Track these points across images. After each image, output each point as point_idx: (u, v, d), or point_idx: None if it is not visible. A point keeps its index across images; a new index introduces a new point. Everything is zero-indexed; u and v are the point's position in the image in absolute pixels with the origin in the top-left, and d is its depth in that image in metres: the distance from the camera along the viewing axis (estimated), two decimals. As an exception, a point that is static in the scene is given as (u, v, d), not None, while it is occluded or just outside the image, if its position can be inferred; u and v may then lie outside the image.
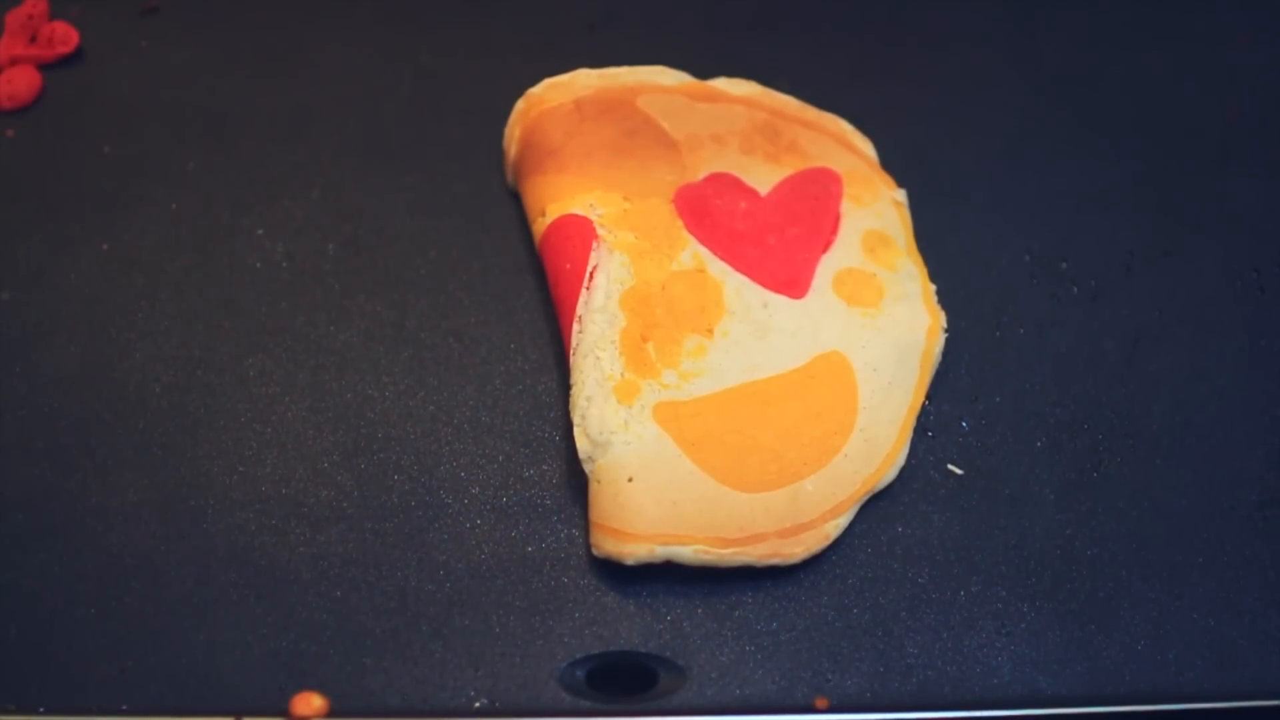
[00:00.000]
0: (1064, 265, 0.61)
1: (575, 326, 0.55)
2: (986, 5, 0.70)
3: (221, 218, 0.61)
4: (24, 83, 0.65)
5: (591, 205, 0.58)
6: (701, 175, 0.59)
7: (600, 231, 0.57)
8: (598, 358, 0.54)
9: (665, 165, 0.60)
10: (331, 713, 0.48)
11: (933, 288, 0.58)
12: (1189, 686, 0.50)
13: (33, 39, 0.67)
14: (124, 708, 0.49)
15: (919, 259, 0.59)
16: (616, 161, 0.59)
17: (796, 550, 0.51)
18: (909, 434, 0.54)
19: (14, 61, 0.66)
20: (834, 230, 0.58)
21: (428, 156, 0.64)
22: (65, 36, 0.67)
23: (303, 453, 0.55)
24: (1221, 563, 0.53)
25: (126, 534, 0.53)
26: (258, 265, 0.60)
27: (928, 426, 0.56)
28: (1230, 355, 0.58)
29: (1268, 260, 0.61)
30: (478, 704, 0.49)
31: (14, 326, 0.58)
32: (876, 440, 0.53)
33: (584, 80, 0.62)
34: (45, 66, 0.66)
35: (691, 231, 0.58)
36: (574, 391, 0.53)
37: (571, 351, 0.55)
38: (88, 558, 0.52)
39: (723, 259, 0.57)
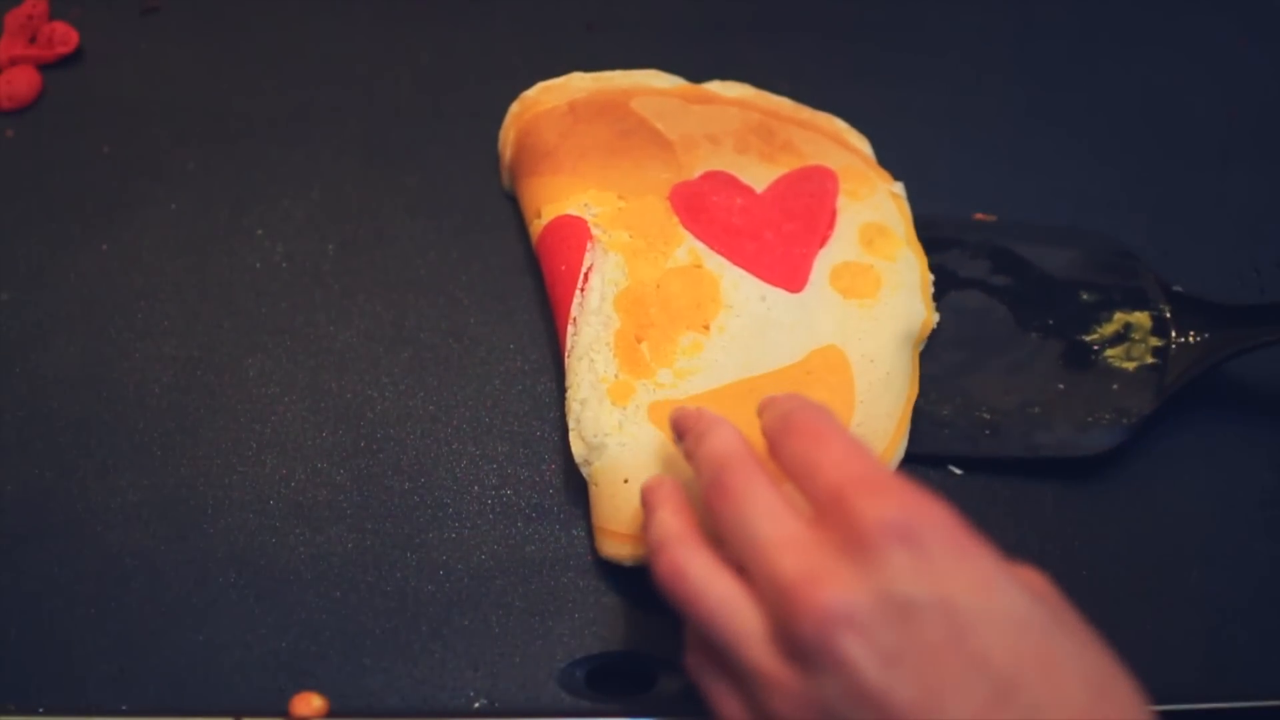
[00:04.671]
0: (1064, 265, 0.61)
1: (570, 329, 0.55)
2: (985, 5, 0.70)
3: (221, 218, 0.61)
4: (24, 83, 0.65)
5: (586, 205, 0.58)
6: (697, 173, 0.59)
7: (595, 231, 0.57)
8: (591, 360, 0.54)
9: (660, 164, 0.60)
10: (331, 713, 0.49)
11: (930, 279, 0.58)
12: (1189, 686, 0.50)
13: (33, 39, 0.67)
14: (124, 708, 0.49)
15: (919, 249, 0.58)
16: (611, 161, 0.59)
17: None
18: (907, 425, 0.54)
19: (14, 61, 0.66)
20: (830, 226, 0.58)
21: (427, 156, 0.64)
22: (65, 36, 0.67)
23: (303, 453, 0.55)
24: (1221, 563, 0.53)
25: (126, 534, 0.53)
26: (258, 265, 0.60)
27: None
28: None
29: (1268, 260, 0.61)
30: (477, 704, 0.49)
31: (14, 326, 0.58)
32: (874, 434, 0.53)
33: (578, 83, 0.62)
34: (45, 66, 0.66)
35: (687, 227, 0.58)
36: (569, 395, 0.53)
37: (567, 354, 0.55)
38: (88, 558, 0.52)
39: (719, 253, 0.57)
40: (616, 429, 0.52)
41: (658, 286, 0.56)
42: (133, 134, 0.64)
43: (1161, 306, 0.56)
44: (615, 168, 0.59)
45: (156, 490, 0.54)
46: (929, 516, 0.39)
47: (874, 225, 0.58)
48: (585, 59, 0.63)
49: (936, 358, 0.56)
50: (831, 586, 0.38)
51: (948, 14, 0.69)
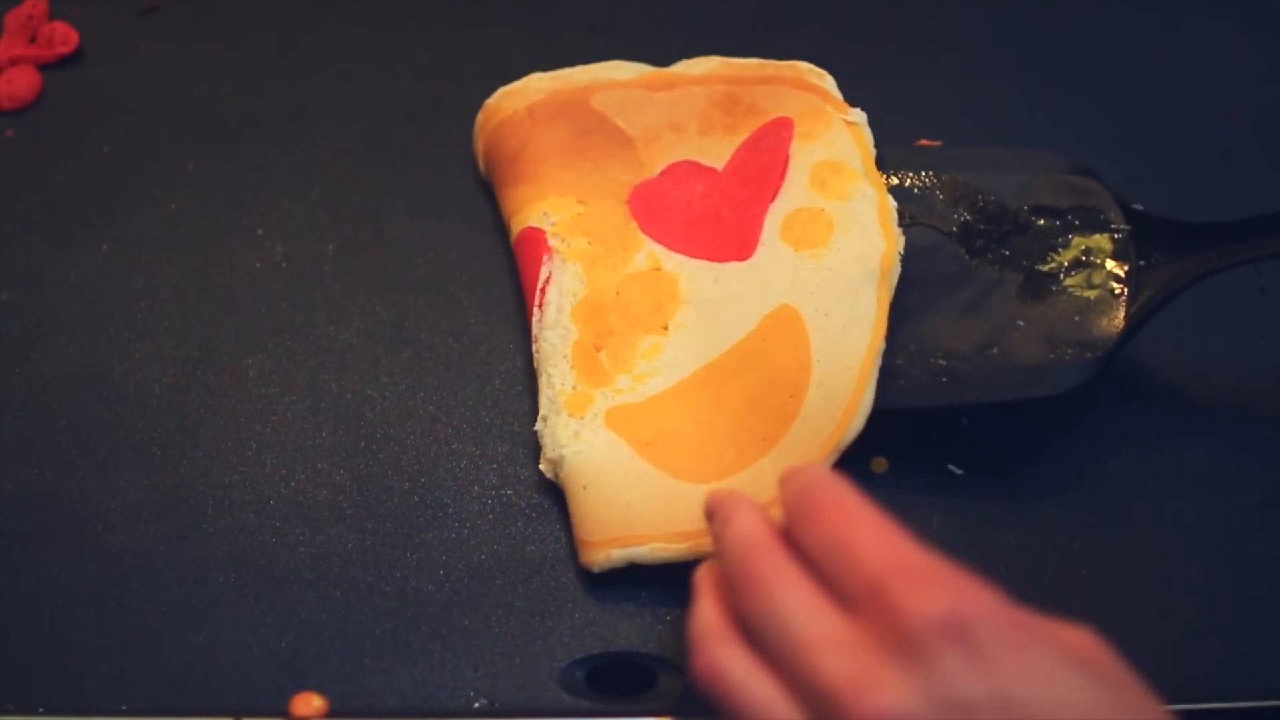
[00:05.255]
0: (1064, 265, 0.61)
1: (534, 346, 0.55)
2: (986, 5, 0.70)
3: (221, 218, 0.61)
4: (24, 83, 0.65)
5: (545, 214, 0.57)
6: (659, 169, 0.58)
7: (552, 242, 0.56)
8: (550, 375, 0.53)
9: (620, 164, 0.58)
10: (331, 713, 0.49)
11: (893, 205, 0.54)
12: (1189, 686, 0.50)
13: (33, 39, 0.67)
14: (124, 708, 0.49)
15: (879, 179, 0.55)
16: (570, 163, 0.58)
17: None
18: (871, 376, 0.51)
19: (14, 61, 0.66)
20: (782, 176, 0.55)
21: (428, 156, 0.63)
22: (65, 36, 0.67)
23: (303, 453, 0.55)
24: (1221, 563, 0.53)
25: (126, 534, 0.53)
26: (258, 265, 0.60)
27: (928, 426, 0.56)
28: (1230, 355, 0.58)
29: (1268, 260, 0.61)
30: (477, 704, 0.49)
31: (14, 326, 0.58)
32: (835, 392, 0.51)
33: (536, 84, 0.60)
34: (45, 66, 0.66)
35: (646, 231, 0.56)
36: (539, 413, 0.53)
37: (537, 373, 0.55)
38: (88, 558, 0.52)
39: (678, 251, 0.55)
40: (573, 439, 0.52)
41: (617, 293, 0.55)
42: (133, 134, 0.64)
43: (1122, 227, 0.54)
44: (574, 169, 0.58)
45: (156, 490, 0.54)
46: (978, 606, 0.37)
47: (826, 164, 0.55)
48: (585, 59, 0.63)
49: None
50: (882, 692, 0.36)
51: (948, 14, 0.69)
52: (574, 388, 0.53)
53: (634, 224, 0.57)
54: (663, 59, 0.63)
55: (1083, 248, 0.53)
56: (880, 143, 0.60)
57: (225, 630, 0.50)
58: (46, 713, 0.49)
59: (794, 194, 0.55)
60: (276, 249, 0.61)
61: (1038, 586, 0.52)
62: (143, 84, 0.66)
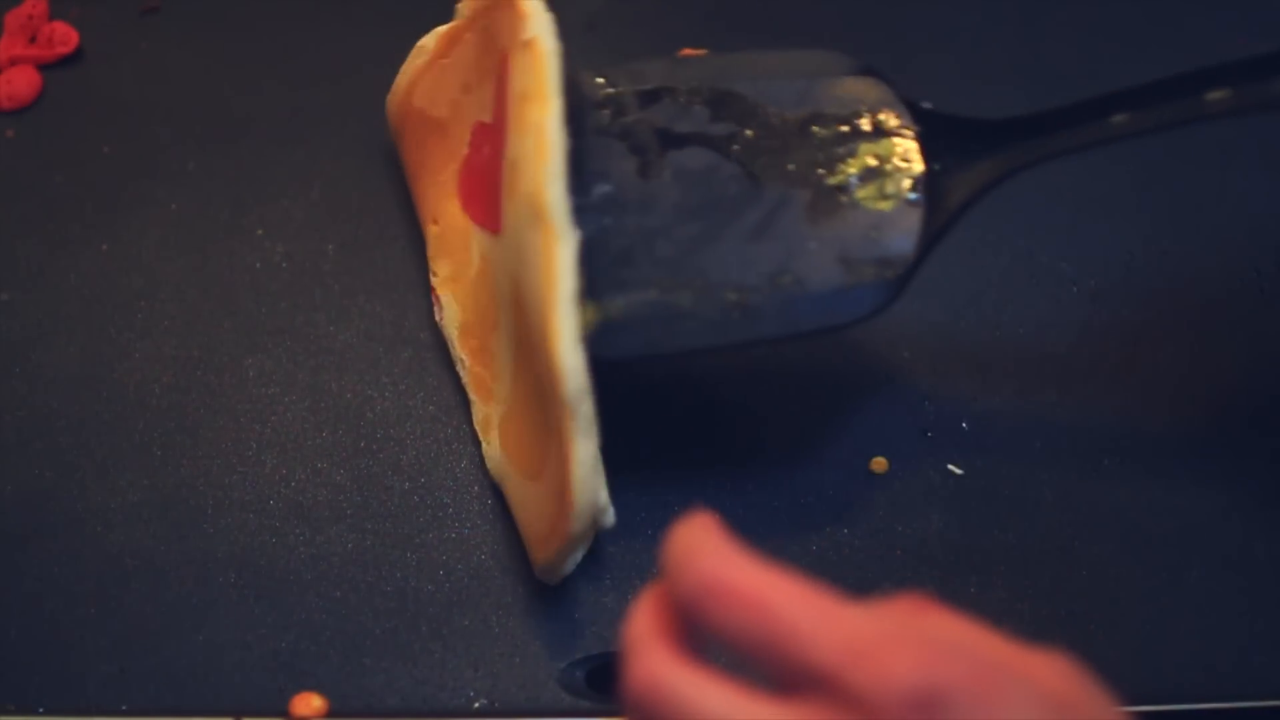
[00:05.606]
0: (1064, 266, 0.61)
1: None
2: (985, 6, 0.70)
3: (221, 218, 0.61)
4: (24, 83, 0.65)
5: (430, 253, 0.57)
6: (467, 143, 0.55)
7: (432, 281, 0.56)
8: (470, 412, 0.54)
9: (442, 158, 0.56)
10: (331, 713, 0.49)
11: (550, 123, 0.45)
12: (1189, 686, 0.50)
13: (33, 39, 0.67)
14: (124, 708, 0.49)
15: (544, 94, 0.46)
16: (419, 184, 0.57)
17: (574, 526, 0.46)
18: (557, 330, 0.44)
19: (14, 61, 0.66)
20: (505, 122, 0.49)
21: (428, 156, 0.64)
22: (65, 36, 0.67)
23: (303, 453, 0.55)
24: (1221, 563, 0.53)
25: (126, 534, 0.53)
26: (258, 265, 0.60)
27: (927, 427, 0.56)
28: (1230, 355, 0.58)
29: (1268, 260, 0.61)
30: (477, 704, 0.49)
31: (14, 326, 0.58)
32: (548, 355, 0.44)
33: (391, 111, 0.59)
34: (45, 66, 0.66)
35: (474, 221, 0.54)
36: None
37: None
38: (88, 558, 0.52)
39: (486, 229, 0.52)
40: (490, 463, 0.53)
41: (475, 302, 0.54)
42: (133, 134, 0.64)
43: (912, 130, 0.49)
44: (423, 191, 0.57)
45: (156, 490, 0.54)
46: (944, 668, 0.33)
47: (518, 96, 0.47)
48: (584, 58, 0.63)
49: (665, 235, 0.47)
50: None
51: (947, 15, 0.69)
52: (482, 415, 0.53)
53: (466, 215, 0.55)
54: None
55: (872, 155, 0.48)
56: (646, 55, 0.56)
57: (225, 630, 0.50)
58: (46, 713, 0.49)
59: (510, 141, 0.48)
60: (276, 249, 0.61)
61: (1038, 586, 0.52)
62: (143, 84, 0.66)
